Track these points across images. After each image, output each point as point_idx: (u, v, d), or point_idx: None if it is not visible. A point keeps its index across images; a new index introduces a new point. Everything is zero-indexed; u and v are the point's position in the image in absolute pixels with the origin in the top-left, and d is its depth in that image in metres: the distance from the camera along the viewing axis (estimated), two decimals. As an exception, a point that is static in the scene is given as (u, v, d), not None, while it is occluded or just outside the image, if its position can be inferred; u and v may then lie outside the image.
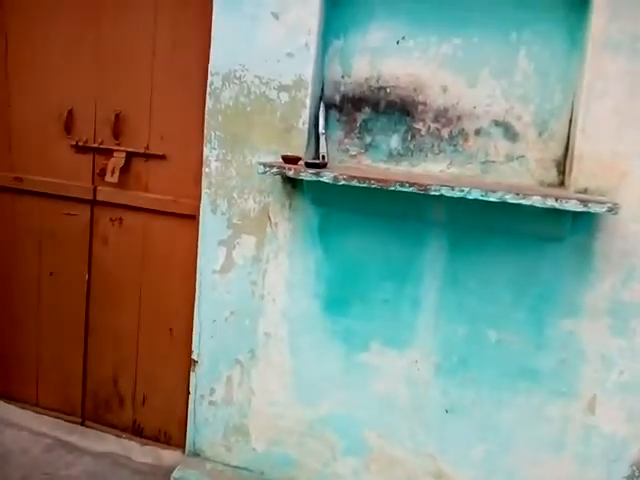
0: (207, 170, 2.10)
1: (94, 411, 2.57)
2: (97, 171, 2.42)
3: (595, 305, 1.81)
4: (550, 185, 1.88)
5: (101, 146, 2.40)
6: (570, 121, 1.85)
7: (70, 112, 2.43)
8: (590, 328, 1.83)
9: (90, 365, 2.56)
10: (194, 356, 2.21)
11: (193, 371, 2.22)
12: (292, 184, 2.00)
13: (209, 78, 2.06)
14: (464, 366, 1.93)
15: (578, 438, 1.87)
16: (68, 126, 2.43)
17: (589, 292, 1.81)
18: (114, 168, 2.36)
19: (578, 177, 1.76)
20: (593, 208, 1.52)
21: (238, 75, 2.02)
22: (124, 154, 2.36)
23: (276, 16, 1.95)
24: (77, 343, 2.55)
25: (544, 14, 1.83)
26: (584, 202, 1.52)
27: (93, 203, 2.45)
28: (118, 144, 2.38)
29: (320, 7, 1.91)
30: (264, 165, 1.77)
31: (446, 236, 1.89)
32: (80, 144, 2.42)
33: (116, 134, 2.37)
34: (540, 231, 1.77)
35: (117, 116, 2.36)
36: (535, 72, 1.86)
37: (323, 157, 1.94)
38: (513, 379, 1.90)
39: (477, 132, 1.92)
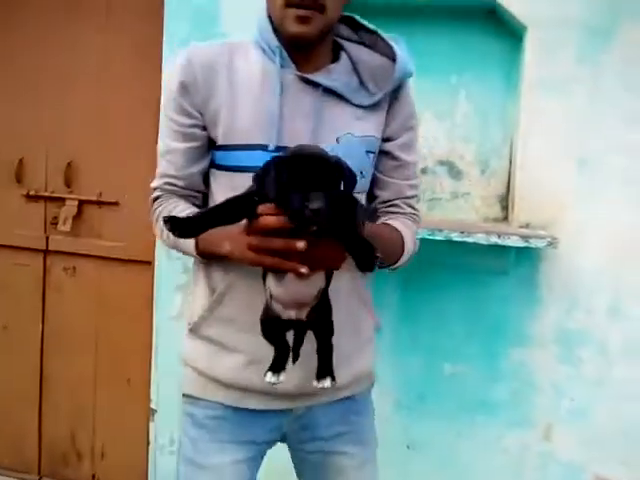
0: (161, 216, 2.11)
1: (51, 467, 2.49)
2: (49, 220, 2.40)
3: (543, 335, 1.88)
4: (495, 220, 1.96)
5: (53, 195, 2.38)
6: (510, 159, 1.94)
7: (21, 161, 2.41)
8: (540, 358, 1.89)
9: (45, 419, 2.48)
10: (153, 405, 2.18)
11: (152, 421, 2.19)
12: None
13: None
14: (422, 401, 1.96)
15: (536, 466, 1.91)
16: (19, 175, 2.41)
17: (536, 322, 1.88)
18: (66, 217, 2.35)
19: (520, 212, 1.84)
20: (534, 243, 1.60)
21: (189, 123, 2.05)
22: (77, 202, 2.35)
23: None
24: (31, 397, 2.48)
25: (482, 57, 1.93)
26: (525, 238, 1.60)
27: (46, 252, 2.42)
28: (70, 192, 2.37)
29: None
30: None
31: (398, 272, 1.94)
32: (31, 193, 2.40)
33: (68, 182, 2.36)
34: (486, 265, 1.84)
35: (69, 164, 2.35)
36: (475, 113, 1.95)
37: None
38: (470, 411, 1.94)
39: (423, 171, 1.98)
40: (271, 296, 0.99)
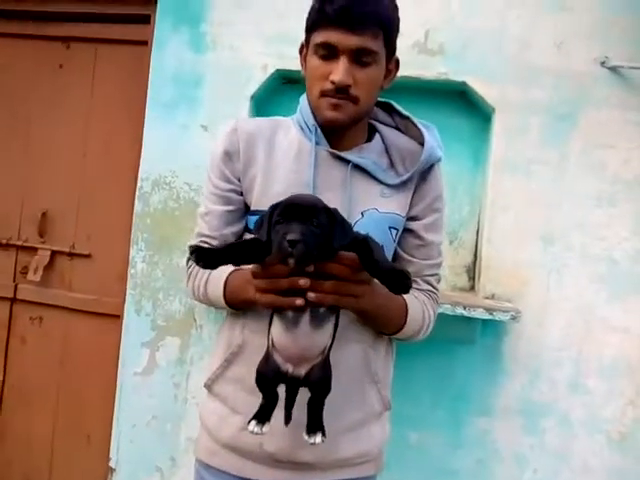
0: (132, 271, 2.11)
1: (-1, 527, 2.39)
2: (19, 269, 2.38)
3: (507, 405, 1.90)
4: (462, 289, 2.01)
5: (25, 244, 2.37)
6: (477, 231, 2.01)
7: (-5, 209, 2.41)
8: (503, 427, 1.91)
9: (-2, 474, 2.40)
10: (112, 463, 2.12)
11: (110, 480, 2.13)
12: (218, 286, 2.05)
13: (139, 182, 2.11)
14: (387, 469, 1.94)
15: (497, 539, 1.90)
16: (-8, 223, 2.41)
17: (500, 392, 1.91)
18: (37, 266, 2.33)
19: (486, 283, 1.90)
20: (497, 316, 1.65)
21: (168, 181, 2.09)
22: (49, 252, 2.34)
23: (205, 128, 2.06)
24: (-15, 449, 2.40)
25: (453, 135, 2.02)
26: (489, 310, 1.65)
27: (13, 301, 2.38)
28: (43, 242, 2.36)
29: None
30: (189, 271, 1.81)
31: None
32: (3, 241, 2.39)
33: (41, 232, 2.36)
34: (453, 335, 1.87)
35: (44, 214, 2.36)
36: (445, 186, 2.01)
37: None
38: (434, 480, 1.93)
39: (394, 239, 2.04)
40: (273, 346, 1.01)
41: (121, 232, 2.18)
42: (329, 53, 1.12)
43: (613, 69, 1.85)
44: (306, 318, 0.98)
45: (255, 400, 1.04)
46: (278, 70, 2.00)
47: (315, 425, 1.02)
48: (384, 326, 1.19)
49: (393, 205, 1.20)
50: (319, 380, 1.01)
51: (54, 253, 2.34)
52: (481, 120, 2.00)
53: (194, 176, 2.06)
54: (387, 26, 1.14)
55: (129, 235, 2.13)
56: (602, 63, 1.85)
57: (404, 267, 1.23)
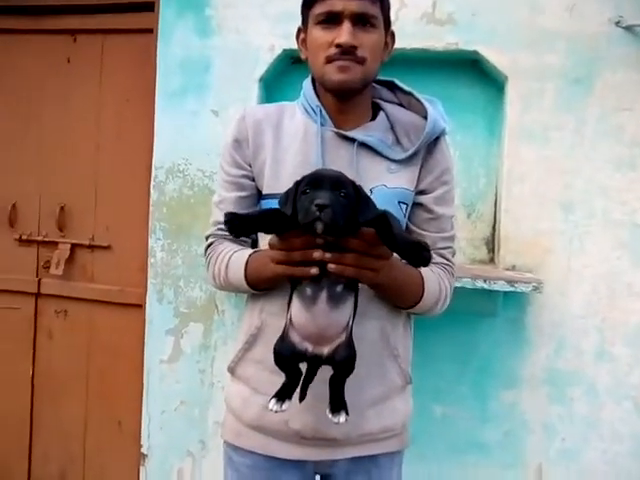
0: (152, 260, 2.13)
1: (39, 514, 2.45)
2: (41, 264, 2.41)
3: (533, 375, 1.90)
4: (481, 262, 1.99)
5: (45, 239, 2.40)
6: (495, 203, 1.99)
7: (14, 206, 2.43)
8: (530, 398, 1.90)
9: (35, 464, 2.45)
10: (143, 450, 2.16)
11: (143, 465, 2.17)
12: (237, 271, 2.05)
13: (153, 172, 2.12)
14: (413, 443, 1.95)
15: (528, 508, 1.91)
16: (12, 220, 2.43)
17: (526, 363, 1.90)
18: (59, 260, 2.36)
19: (506, 255, 1.88)
20: (519, 288, 1.63)
21: (181, 169, 2.09)
22: (69, 246, 2.36)
23: (216, 113, 2.05)
24: (21, 442, 2.45)
25: (466, 106, 1.99)
26: (511, 282, 1.63)
27: (37, 296, 2.42)
28: (63, 236, 2.38)
29: (257, 104, 2.02)
30: (208, 257, 1.82)
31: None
32: (24, 237, 2.41)
33: (61, 226, 2.38)
34: (475, 308, 1.86)
35: (62, 208, 2.37)
36: (460, 158, 2.00)
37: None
38: (461, 453, 1.94)
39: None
40: (291, 324, 1.02)
41: (139, 222, 2.20)
42: (332, 20, 1.14)
43: (628, 29, 1.79)
44: (324, 297, 0.99)
45: (278, 379, 1.05)
46: (285, 50, 1.98)
47: (338, 404, 1.02)
48: (401, 300, 1.20)
49: (401, 180, 1.20)
50: (344, 359, 1.01)
51: (74, 246, 2.37)
52: (494, 89, 1.96)
53: (207, 162, 2.06)
54: None
55: (147, 225, 2.14)
56: (617, 23, 1.79)
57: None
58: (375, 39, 1.17)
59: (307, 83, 1.27)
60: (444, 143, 1.26)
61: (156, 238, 2.12)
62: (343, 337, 1.01)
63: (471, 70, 1.96)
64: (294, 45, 1.91)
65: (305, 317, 1.00)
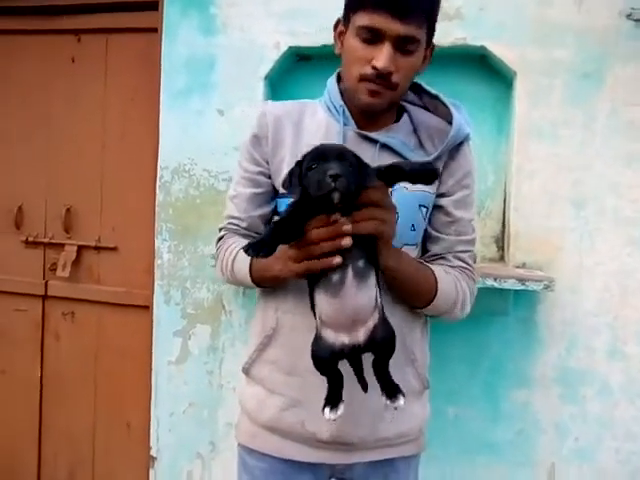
0: (159, 262, 2.12)
1: (49, 515, 2.45)
2: (48, 266, 2.41)
3: (544, 375, 1.87)
4: (491, 260, 1.97)
5: (52, 241, 2.39)
6: (504, 200, 1.96)
7: (20, 208, 2.43)
8: (542, 398, 1.88)
9: (44, 467, 2.45)
10: (152, 452, 2.15)
11: (152, 468, 2.16)
12: (244, 272, 2.04)
13: (158, 172, 2.10)
14: (426, 444, 1.94)
15: (540, 508, 1.89)
16: (18, 222, 2.43)
17: (538, 362, 1.87)
18: (65, 262, 2.35)
19: (516, 253, 1.85)
20: (530, 286, 1.60)
21: (187, 169, 2.08)
22: (75, 247, 2.36)
23: (221, 112, 2.03)
24: (30, 444, 2.45)
25: (474, 102, 1.96)
26: (521, 280, 1.61)
27: (44, 298, 2.42)
28: (69, 238, 2.38)
29: (263, 103, 2.01)
30: (215, 258, 1.80)
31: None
32: (30, 239, 2.41)
33: (67, 228, 2.37)
34: (485, 307, 1.83)
35: (68, 210, 2.37)
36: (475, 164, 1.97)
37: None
38: (474, 453, 1.92)
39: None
40: (322, 322, 1.00)
41: (145, 223, 2.18)
42: (372, 37, 1.09)
43: (639, 21, 1.76)
44: (350, 275, 0.97)
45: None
46: (290, 47, 1.95)
47: (392, 388, 1.00)
48: (415, 296, 1.17)
49: None
50: (384, 340, 0.99)
51: (80, 248, 2.36)
52: (502, 85, 1.93)
53: (213, 162, 2.05)
54: (432, 15, 1.13)
55: (153, 225, 2.13)
56: (628, 16, 1.76)
57: (434, 244, 1.23)
58: (413, 63, 1.14)
59: (332, 82, 1.25)
60: (467, 147, 1.25)
61: (162, 239, 2.11)
62: (376, 316, 0.99)
63: (479, 66, 1.94)
64: (300, 42, 1.93)
65: (335, 305, 0.97)
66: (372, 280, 0.99)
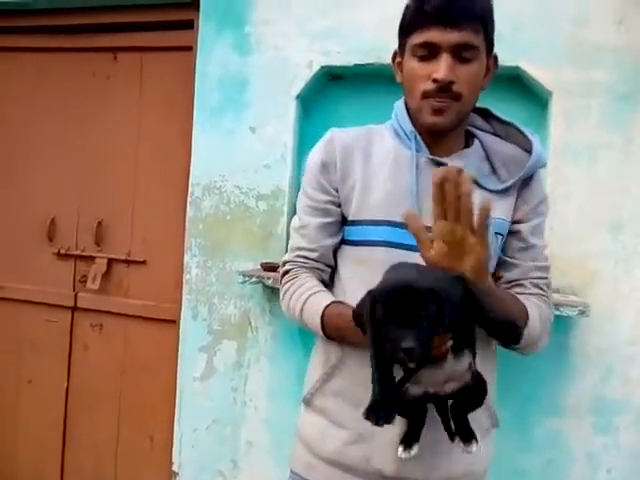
0: (187, 277, 2.13)
1: (71, 526, 2.45)
2: (78, 278, 2.44)
3: (577, 403, 1.81)
4: (524, 284, 1.92)
5: (83, 253, 2.43)
6: (538, 222, 1.92)
7: (53, 220, 2.47)
8: (575, 427, 1.82)
9: (67, 477, 2.46)
10: (174, 467, 2.14)
11: (174, 484, 2.15)
12: (272, 289, 2.03)
13: (190, 188, 2.12)
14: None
15: (572, 542, 1.82)
16: (50, 234, 2.47)
17: (571, 390, 1.82)
18: (96, 274, 2.38)
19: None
20: (565, 311, 1.56)
21: (218, 185, 2.09)
22: (106, 260, 2.39)
23: (253, 130, 2.04)
24: (55, 454, 2.47)
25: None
26: (556, 306, 1.56)
27: (74, 309, 2.45)
28: (100, 250, 2.41)
29: (294, 122, 2.02)
30: (243, 275, 1.80)
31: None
32: (62, 252, 2.45)
33: (98, 241, 2.40)
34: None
35: (99, 223, 2.40)
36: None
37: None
38: (502, 482, 1.86)
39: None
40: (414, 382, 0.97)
41: (175, 238, 2.20)
42: (429, 53, 1.07)
43: (680, 43, 1.73)
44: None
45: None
46: (323, 67, 1.96)
47: (467, 433, 0.98)
48: (509, 323, 1.07)
49: (498, 210, 1.13)
50: (475, 395, 0.98)
51: (111, 261, 2.39)
52: (537, 105, 1.90)
53: (243, 179, 2.06)
54: (487, 20, 1.10)
55: (183, 241, 2.15)
56: (668, 37, 1.73)
57: (510, 270, 1.19)
58: (474, 71, 1.10)
59: (400, 106, 1.21)
60: (540, 175, 1.22)
61: (192, 254, 2.12)
62: (468, 377, 0.96)
63: (514, 86, 1.91)
64: (332, 61, 1.94)
65: (432, 373, 0.95)
66: (465, 354, 0.96)
